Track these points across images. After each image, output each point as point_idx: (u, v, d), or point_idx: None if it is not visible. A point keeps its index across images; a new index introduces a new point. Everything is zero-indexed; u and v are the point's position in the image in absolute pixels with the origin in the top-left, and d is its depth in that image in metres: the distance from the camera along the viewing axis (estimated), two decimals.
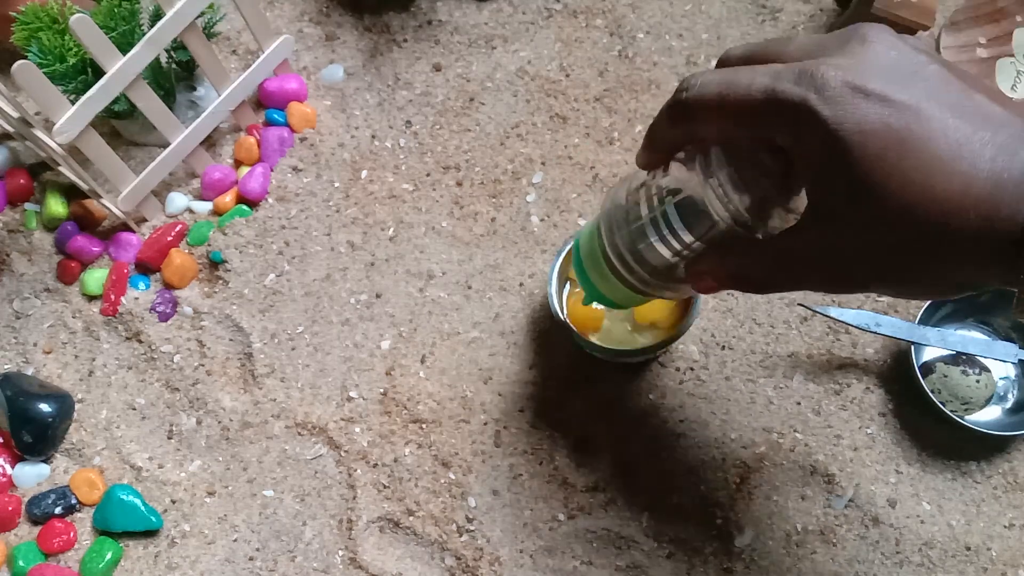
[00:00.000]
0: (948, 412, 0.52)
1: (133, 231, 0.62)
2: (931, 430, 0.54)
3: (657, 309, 0.54)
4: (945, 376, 0.53)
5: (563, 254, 0.54)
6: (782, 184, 0.34)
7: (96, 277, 0.61)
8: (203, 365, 0.58)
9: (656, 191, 0.38)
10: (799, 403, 0.55)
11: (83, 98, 0.53)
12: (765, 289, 0.36)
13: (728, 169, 0.34)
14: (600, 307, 0.55)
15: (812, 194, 0.32)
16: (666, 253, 0.38)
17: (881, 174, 0.29)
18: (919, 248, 0.30)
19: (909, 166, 0.28)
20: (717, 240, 0.36)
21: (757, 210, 0.34)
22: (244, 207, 0.62)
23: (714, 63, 0.65)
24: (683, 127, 0.35)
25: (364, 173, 0.64)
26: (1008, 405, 0.55)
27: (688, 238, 0.37)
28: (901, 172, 0.28)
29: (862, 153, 0.29)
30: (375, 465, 0.55)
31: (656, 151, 0.38)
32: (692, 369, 0.56)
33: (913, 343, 0.53)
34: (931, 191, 0.28)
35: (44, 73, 0.51)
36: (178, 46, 0.62)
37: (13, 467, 0.56)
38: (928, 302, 0.54)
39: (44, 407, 0.55)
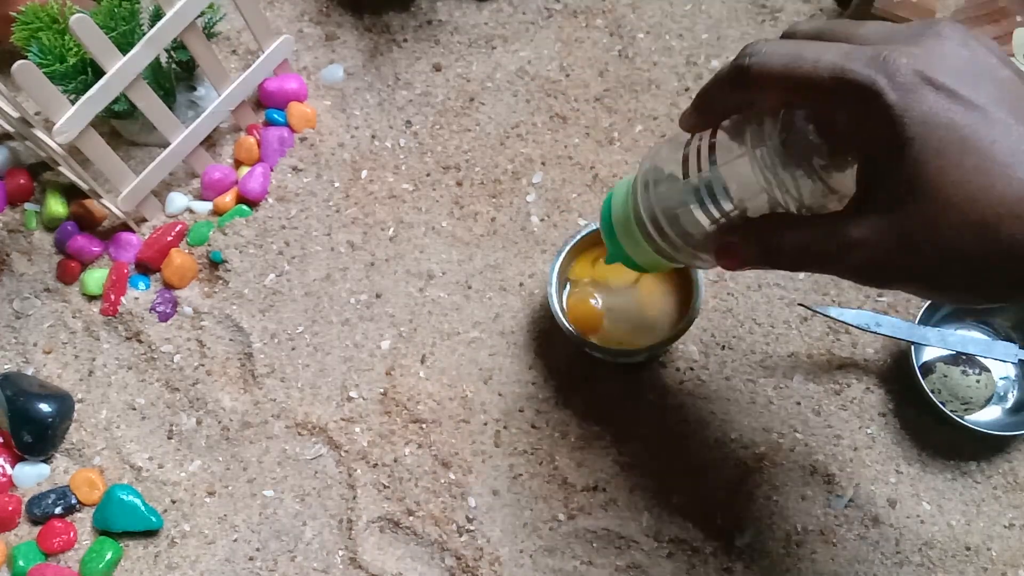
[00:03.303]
0: (948, 412, 0.52)
1: (133, 231, 0.62)
2: (931, 430, 0.54)
3: (657, 309, 0.54)
4: (945, 376, 0.53)
5: (563, 254, 0.54)
6: (830, 163, 0.33)
7: (96, 277, 0.61)
8: (203, 365, 0.58)
9: (701, 157, 0.37)
10: (799, 403, 0.55)
11: (83, 98, 0.53)
12: (794, 267, 0.35)
13: (778, 140, 0.33)
14: (597, 305, 0.55)
15: (863, 179, 0.31)
16: (704, 221, 0.37)
17: (937, 169, 0.28)
18: (963, 250, 0.29)
19: (969, 165, 0.28)
20: (756, 213, 0.36)
21: (801, 186, 0.34)
22: (244, 207, 0.62)
23: (714, 64, 0.65)
24: (741, 94, 0.34)
25: (364, 173, 0.64)
26: (1008, 405, 0.55)
27: (729, 207, 0.36)
28: (959, 170, 0.28)
29: (923, 145, 0.28)
30: (375, 465, 0.55)
31: (706, 114, 0.37)
32: (692, 369, 0.56)
33: (913, 343, 0.53)
34: (987, 193, 0.28)
35: (44, 73, 0.51)
36: (178, 46, 0.62)
37: (13, 467, 0.56)
38: (929, 302, 0.54)
39: (44, 407, 0.55)
